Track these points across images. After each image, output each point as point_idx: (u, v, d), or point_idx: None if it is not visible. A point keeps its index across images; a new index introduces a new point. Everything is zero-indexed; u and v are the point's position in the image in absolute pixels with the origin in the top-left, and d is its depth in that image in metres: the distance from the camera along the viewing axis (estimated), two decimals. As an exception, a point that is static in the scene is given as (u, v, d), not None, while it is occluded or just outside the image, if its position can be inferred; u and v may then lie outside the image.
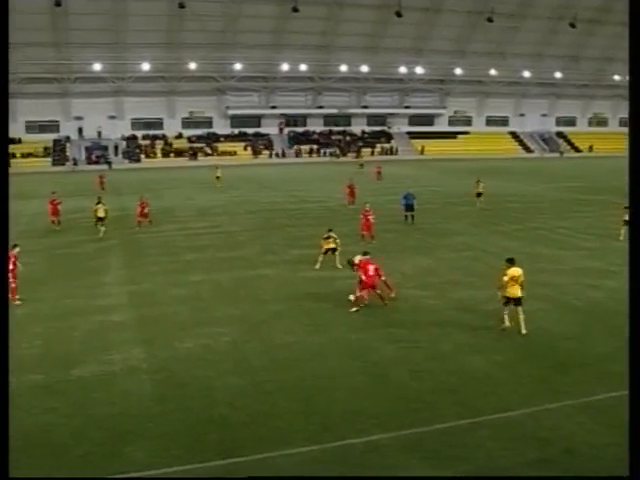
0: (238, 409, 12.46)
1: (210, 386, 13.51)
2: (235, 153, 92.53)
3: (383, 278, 18.73)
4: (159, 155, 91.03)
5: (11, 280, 19.06)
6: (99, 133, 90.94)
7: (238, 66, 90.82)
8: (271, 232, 31.90)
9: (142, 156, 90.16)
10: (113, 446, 11.14)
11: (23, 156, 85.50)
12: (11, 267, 18.94)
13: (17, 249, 20.61)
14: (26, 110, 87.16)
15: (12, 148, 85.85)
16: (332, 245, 23.49)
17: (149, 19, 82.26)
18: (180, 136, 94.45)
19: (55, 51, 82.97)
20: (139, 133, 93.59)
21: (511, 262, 16.16)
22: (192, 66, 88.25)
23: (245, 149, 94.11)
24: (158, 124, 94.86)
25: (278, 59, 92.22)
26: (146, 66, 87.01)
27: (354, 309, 18.19)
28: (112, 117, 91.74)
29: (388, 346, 15.62)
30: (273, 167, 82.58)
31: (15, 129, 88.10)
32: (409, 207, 33.93)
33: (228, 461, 10.66)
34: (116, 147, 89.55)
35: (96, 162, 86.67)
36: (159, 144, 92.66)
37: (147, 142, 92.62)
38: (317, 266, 23.39)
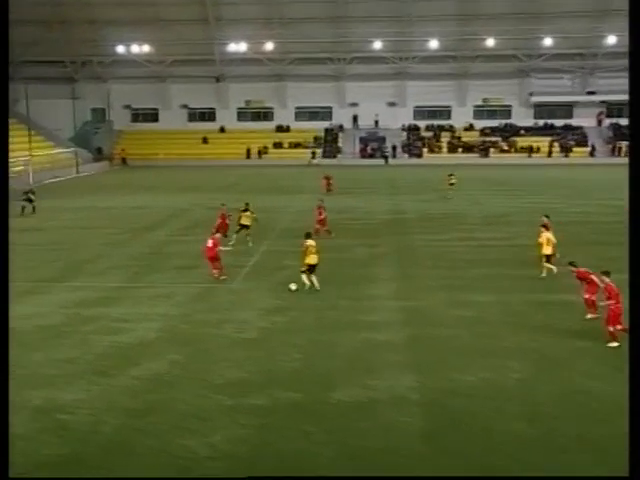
0: (523, 463, 12.34)
1: (490, 429, 13.57)
2: (538, 149, 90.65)
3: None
4: (444, 149, 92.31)
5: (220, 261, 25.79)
6: (376, 122, 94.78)
7: (548, 41, 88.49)
8: (577, 249, 30.75)
9: (424, 150, 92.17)
10: (373, 485, 11.67)
11: (291, 146, 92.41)
12: (213, 247, 25.47)
13: (218, 235, 27.17)
14: (297, 95, 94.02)
15: (280, 137, 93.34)
16: None
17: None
18: (470, 127, 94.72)
19: (332, 27, 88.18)
20: (422, 123, 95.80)
21: None
22: (490, 43, 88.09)
23: (551, 145, 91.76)
24: (445, 113, 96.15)
25: (602, 30, 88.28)
26: (434, 44, 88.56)
27: (614, 344, 17.83)
28: (391, 104, 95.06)
29: None
30: (586, 168, 79.54)
31: (284, 116, 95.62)
32: None
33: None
34: (394, 146, 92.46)
35: (371, 155, 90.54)
36: (445, 136, 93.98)
37: (430, 134, 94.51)
38: None
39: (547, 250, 26.07)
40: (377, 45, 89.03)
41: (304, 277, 24.05)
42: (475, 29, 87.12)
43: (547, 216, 29.44)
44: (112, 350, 18.28)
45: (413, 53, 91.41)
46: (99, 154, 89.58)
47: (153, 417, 14.24)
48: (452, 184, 53.77)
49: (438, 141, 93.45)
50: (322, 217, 35.01)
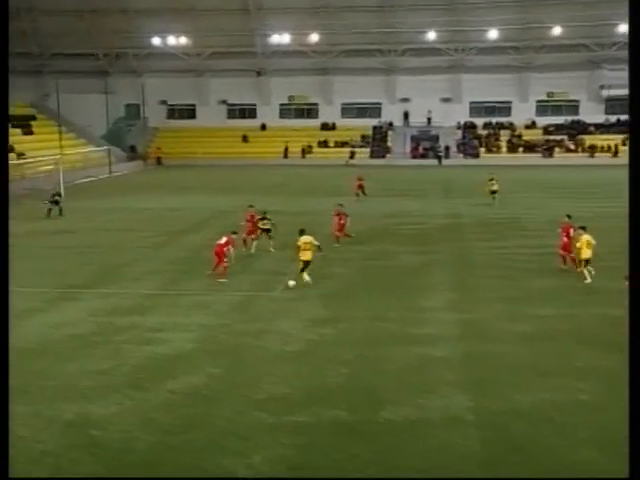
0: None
1: (556, 456, 13.43)
2: (608, 149, 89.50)
3: None
4: (503, 149, 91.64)
5: (225, 260, 27.29)
6: (428, 119, 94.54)
7: (622, 28, 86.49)
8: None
9: (481, 150, 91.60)
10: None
11: (337, 145, 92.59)
12: (224, 244, 27.23)
13: (235, 235, 28.66)
14: (344, 90, 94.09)
15: (325, 135, 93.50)
16: None
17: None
18: (533, 125, 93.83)
19: (382, 16, 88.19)
20: (479, 120, 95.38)
21: None
22: (556, 31, 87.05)
23: (623, 143, 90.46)
24: (504, 109, 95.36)
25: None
26: (493, 33, 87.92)
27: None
28: (446, 100, 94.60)
29: None
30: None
31: (330, 113, 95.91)
32: None
33: None
34: (447, 146, 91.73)
35: (423, 156, 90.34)
36: (504, 135, 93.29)
37: (488, 132, 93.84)
38: None
39: (586, 254, 26.64)
40: (431, 35, 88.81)
41: (305, 275, 25.78)
42: (539, 16, 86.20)
43: (569, 216, 29.90)
44: (147, 362, 18.52)
45: (470, 44, 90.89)
46: (133, 153, 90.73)
47: (190, 434, 14.36)
48: (493, 191, 49.02)
49: (497, 140, 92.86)
50: (342, 222, 35.01)
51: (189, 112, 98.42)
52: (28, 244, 35.62)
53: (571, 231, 28.90)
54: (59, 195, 46.64)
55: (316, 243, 26.38)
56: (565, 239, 28.92)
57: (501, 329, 21.15)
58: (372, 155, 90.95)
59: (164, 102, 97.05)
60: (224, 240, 27.43)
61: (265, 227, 33.16)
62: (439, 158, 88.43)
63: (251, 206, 34.33)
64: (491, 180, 49.77)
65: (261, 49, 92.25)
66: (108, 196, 56.81)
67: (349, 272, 28.94)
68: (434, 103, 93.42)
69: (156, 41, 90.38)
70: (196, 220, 43.10)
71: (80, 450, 13.71)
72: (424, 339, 20.20)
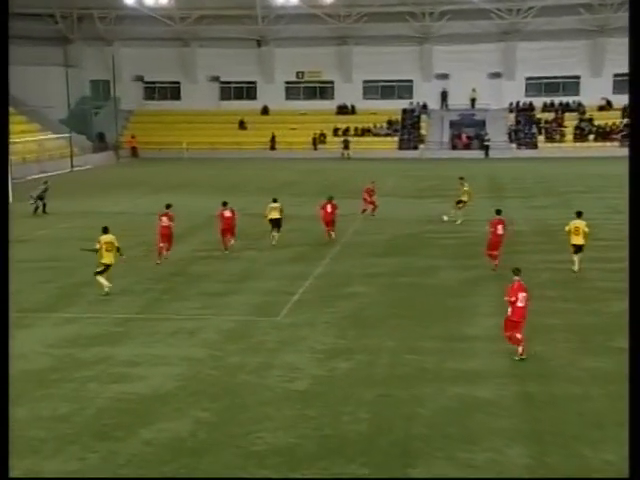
0: None
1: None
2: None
3: None
4: (569, 137, 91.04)
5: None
6: (473, 100, 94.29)
7: None
8: None
9: (540, 138, 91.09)
10: None
11: (357, 133, 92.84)
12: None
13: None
14: (366, 63, 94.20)
15: (342, 121, 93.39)
16: None
17: None
18: (608, 106, 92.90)
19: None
20: (538, 101, 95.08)
21: None
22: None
23: None
24: (571, 86, 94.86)
25: None
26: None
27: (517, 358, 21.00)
28: (495, 75, 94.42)
29: None
30: None
31: (349, 93, 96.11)
32: None
33: None
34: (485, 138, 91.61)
35: (466, 146, 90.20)
36: (570, 119, 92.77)
37: (550, 115, 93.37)
38: None
39: (575, 240, 30.38)
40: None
41: (101, 280, 28.19)
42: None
43: (499, 211, 33.98)
44: (117, 404, 18.49)
45: (528, 2, 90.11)
46: (101, 142, 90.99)
47: (170, 497, 14.40)
48: (461, 202, 44.46)
49: (560, 125, 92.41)
50: (332, 216, 37.27)
51: (172, 91, 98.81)
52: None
53: (499, 228, 32.20)
54: (46, 183, 49.10)
55: (116, 244, 28.80)
56: (491, 236, 32.33)
57: (567, 365, 20.99)
58: (401, 146, 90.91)
59: (140, 78, 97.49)
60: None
61: (274, 217, 35.61)
62: (486, 148, 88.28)
63: (225, 203, 35.70)
64: (460, 200, 44.59)
65: (262, 12, 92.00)
66: (70, 197, 56.97)
67: (372, 291, 28.88)
68: (480, 80, 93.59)
69: (130, 0, 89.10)
70: (183, 228, 42.81)
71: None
72: (467, 376, 20.10)
